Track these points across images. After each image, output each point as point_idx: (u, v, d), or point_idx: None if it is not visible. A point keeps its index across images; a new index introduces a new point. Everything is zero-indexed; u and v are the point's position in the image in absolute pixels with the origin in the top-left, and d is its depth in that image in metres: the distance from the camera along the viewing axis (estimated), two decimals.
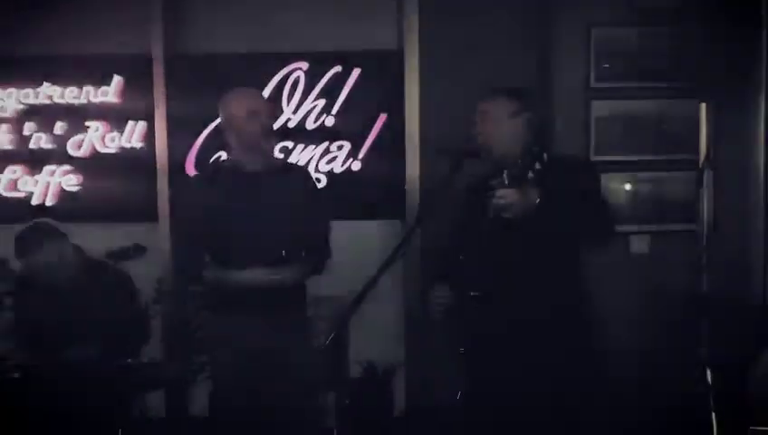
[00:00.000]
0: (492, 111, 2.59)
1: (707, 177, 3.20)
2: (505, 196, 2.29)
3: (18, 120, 4.11)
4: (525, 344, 2.49)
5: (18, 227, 3.68)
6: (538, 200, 2.31)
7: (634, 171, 3.59)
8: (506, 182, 2.29)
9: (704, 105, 3.19)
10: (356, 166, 4.02)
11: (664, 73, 3.48)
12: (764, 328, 3.26)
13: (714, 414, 3.06)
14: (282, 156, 3.96)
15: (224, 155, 3.97)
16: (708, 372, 3.12)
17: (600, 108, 3.56)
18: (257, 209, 2.86)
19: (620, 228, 3.52)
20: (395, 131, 3.98)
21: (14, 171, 4.13)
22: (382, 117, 3.99)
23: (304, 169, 3.68)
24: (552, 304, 2.51)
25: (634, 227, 3.60)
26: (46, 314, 3.22)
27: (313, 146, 4.01)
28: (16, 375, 2.87)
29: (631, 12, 3.53)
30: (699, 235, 3.22)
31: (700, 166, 3.19)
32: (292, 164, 3.69)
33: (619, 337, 3.48)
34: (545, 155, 2.31)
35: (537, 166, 2.29)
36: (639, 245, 3.60)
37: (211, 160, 3.98)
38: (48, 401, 2.80)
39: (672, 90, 3.49)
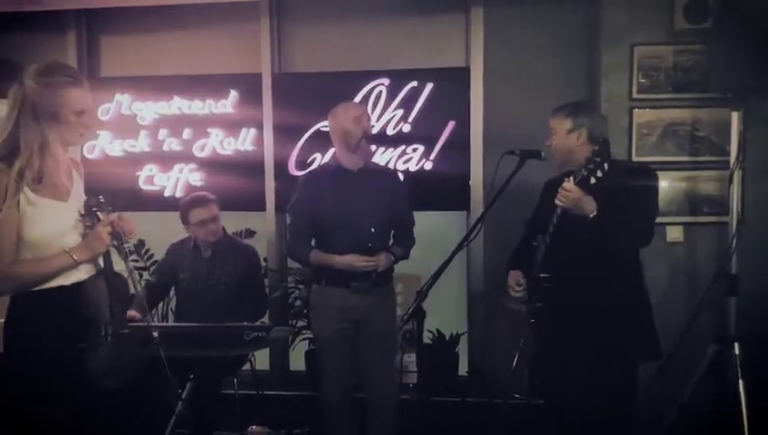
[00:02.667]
0: (554, 126, 2.64)
1: (737, 175, 3.11)
2: (570, 190, 2.37)
3: (154, 128, 4.22)
4: (584, 317, 2.52)
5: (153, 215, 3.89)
6: (594, 213, 2.38)
7: (670, 170, 3.48)
8: (572, 181, 2.38)
9: (735, 113, 3.10)
10: (428, 165, 4.00)
11: (697, 85, 3.38)
12: None
13: (741, 381, 2.97)
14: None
15: (319, 157, 4.07)
16: (736, 345, 3.03)
17: (640, 115, 3.48)
18: (355, 203, 2.91)
19: (658, 220, 3.47)
20: (461, 136, 3.96)
21: (151, 169, 4.23)
22: (451, 124, 3.96)
23: (393, 171, 3.70)
24: (608, 284, 2.52)
25: (670, 219, 3.49)
26: (193, 275, 3.37)
27: (392, 149, 4.01)
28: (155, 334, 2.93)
29: (668, 33, 3.45)
30: (729, 224, 3.14)
31: (731, 166, 3.11)
32: (384, 166, 3.73)
33: (657, 313, 3.42)
34: (606, 165, 2.36)
35: (599, 174, 2.34)
36: (674, 234, 3.50)
37: (309, 160, 4.05)
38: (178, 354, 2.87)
39: (704, 100, 3.38)
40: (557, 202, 2.43)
